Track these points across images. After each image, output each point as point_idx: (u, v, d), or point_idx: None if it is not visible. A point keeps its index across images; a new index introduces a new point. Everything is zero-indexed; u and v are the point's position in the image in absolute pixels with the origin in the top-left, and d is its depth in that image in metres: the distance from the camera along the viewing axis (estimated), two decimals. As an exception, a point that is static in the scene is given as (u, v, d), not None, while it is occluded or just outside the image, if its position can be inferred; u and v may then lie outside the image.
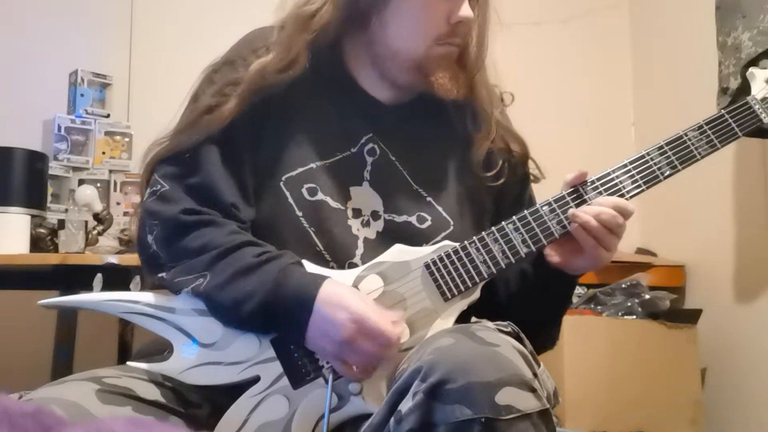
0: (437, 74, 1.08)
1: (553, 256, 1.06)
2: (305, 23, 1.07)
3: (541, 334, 1.10)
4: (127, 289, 1.72)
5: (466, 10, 1.05)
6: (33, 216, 2.17)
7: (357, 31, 1.09)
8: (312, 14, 1.07)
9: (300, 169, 1.07)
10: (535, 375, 0.86)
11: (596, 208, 1.02)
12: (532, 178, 1.21)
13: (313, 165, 1.08)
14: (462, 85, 1.11)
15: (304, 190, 1.07)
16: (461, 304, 1.02)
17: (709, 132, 1.09)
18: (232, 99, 1.04)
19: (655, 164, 1.06)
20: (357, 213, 1.08)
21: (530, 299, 1.11)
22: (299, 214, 1.06)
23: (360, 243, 1.06)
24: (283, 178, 1.07)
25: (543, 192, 1.19)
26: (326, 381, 0.96)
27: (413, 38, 1.07)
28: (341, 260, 1.05)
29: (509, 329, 0.95)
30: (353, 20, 1.08)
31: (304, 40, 1.07)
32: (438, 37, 1.07)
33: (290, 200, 1.06)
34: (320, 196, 1.07)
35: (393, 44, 1.08)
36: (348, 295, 0.95)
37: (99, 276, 1.92)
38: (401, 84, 1.11)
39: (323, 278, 0.97)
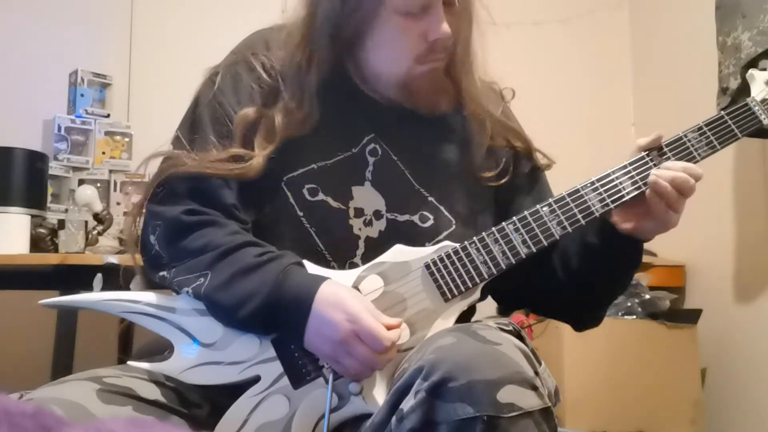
0: (423, 92, 1.10)
1: (623, 222, 1.06)
2: (308, 68, 1.09)
3: (597, 307, 1.16)
4: (127, 288, 1.72)
5: (442, 28, 1.04)
6: (33, 216, 2.17)
7: (348, 53, 1.10)
8: (309, 58, 1.09)
9: (301, 170, 1.08)
10: (536, 373, 0.86)
11: (670, 173, 1.02)
12: (543, 167, 1.21)
13: (314, 165, 1.08)
14: (451, 95, 1.13)
15: (305, 191, 1.07)
16: (461, 305, 1.02)
17: (708, 133, 1.09)
18: (257, 155, 1.04)
19: (655, 165, 1.06)
20: (359, 212, 1.08)
21: (598, 270, 1.10)
22: (300, 214, 1.06)
23: (361, 243, 1.07)
24: (285, 179, 1.07)
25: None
26: (326, 381, 0.96)
27: (393, 61, 1.07)
28: (342, 260, 1.05)
29: (510, 328, 0.96)
30: (341, 50, 1.09)
31: (311, 84, 1.08)
32: (417, 57, 1.06)
33: (291, 200, 1.06)
34: (321, 196, 1.07)
35: (376, 68, 1.09)
36: (346, 296, 0.95)
37: (99, 276, 1.92)
38: (391, 99, 1.12)
39: (323, 279, 0.97)
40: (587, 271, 1.11)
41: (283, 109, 1.07)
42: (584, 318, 1.19)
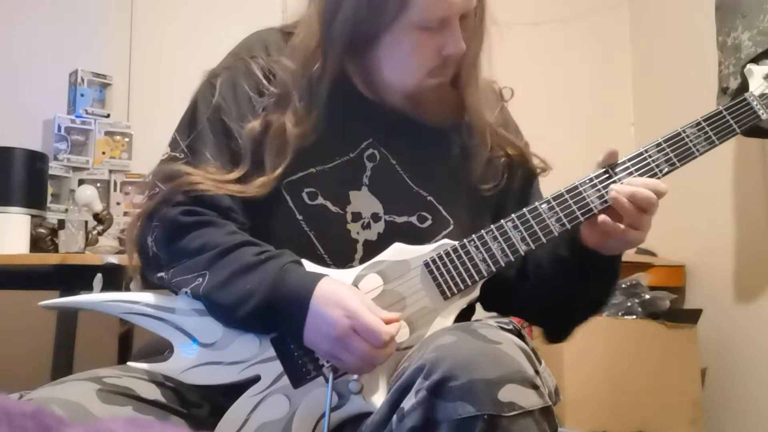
0: (429, 103, 1.10)
1: (588, 237, 1.05)
2: (321, 74, 1.08)
3: (570, 320, 1.14)
4: (127, 289, 1.72)
5: (457, 44, 1.05)
6: (33, 216, 2.17)
7: (354, 59, 1.10)
8: (323, 64, 1.08)
9: (300, 174, 1.08)
10: (537, 372, 0.86)
11: (630, 188, 1.01)
12: (538, 171, 1.21)
13: (313, 169, 1.08)
14: (454, 108, 1.13)
15: (304, 195, 1.07)
16: (461, 303, 1.02)
17: (707, 129, 1.08)
18: (270, 178, 1.04)
19: (654, 161, 1.06)
20: (356, 216, 1.08)
21: (568, 283, 1.09)
22: (299, 217, 1.06)
23: (359, 247, 1.07)
24: (284, 182, 1.07)
25: (544, 190, 1.19)
26: (326, 380, 0.96)
27: (405, 73, 1.08)
28: (341, 264, 1.05)
29: (511, 327, 0.96)
30: (351, 53, 1.09)
31: (322, 91, 1.08)
32: (430, 71, 1.07)
33: (290, 204, 1.06)
34: (320, 200, 1.07)
35: (386, 78, 1.09)
36: (344, 292, 0.94)
37: (99, 276, 1.92)
38: (395, 108, 1.12)
39: (320, 276, 0.97)
40: (559, 283, 1.10)
41: (293, 117, 1.06)
42: (556, 329, 1.17)
